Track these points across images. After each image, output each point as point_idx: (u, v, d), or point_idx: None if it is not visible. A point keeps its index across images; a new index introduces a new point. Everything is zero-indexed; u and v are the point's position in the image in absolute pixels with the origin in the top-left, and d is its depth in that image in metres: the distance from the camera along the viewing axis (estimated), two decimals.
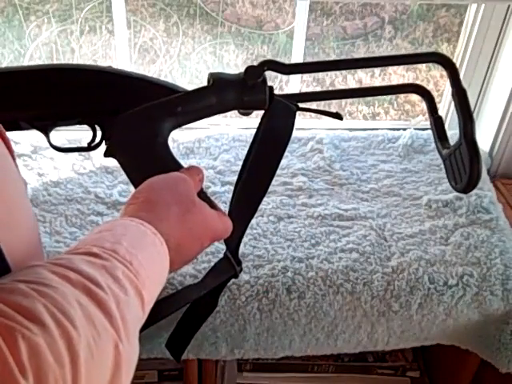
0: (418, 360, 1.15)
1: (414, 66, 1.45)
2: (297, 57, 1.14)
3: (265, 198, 0.69)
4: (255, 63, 0.65)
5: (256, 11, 1.36)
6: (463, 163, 0.67)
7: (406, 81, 1.44)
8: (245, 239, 0.89)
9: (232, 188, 1.00)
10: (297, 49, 1.13)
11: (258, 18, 1.36)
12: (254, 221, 0.93)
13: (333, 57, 1.41)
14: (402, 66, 1.45)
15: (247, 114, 0.70)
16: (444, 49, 1.40)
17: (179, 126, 0.65)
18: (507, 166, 1.15)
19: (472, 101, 1.17)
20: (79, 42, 1.30)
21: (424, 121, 1.21)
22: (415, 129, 1.16)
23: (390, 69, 1.44)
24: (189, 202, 0.50)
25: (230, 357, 0.88)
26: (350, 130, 1.17)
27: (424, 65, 1.43)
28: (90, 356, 0.31)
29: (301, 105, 0.67)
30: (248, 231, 0.90)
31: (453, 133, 1.14)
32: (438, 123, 0.72)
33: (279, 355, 0.88)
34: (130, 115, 0.62)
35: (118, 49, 1.13)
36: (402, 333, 0.86)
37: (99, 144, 0.65)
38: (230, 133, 1.13)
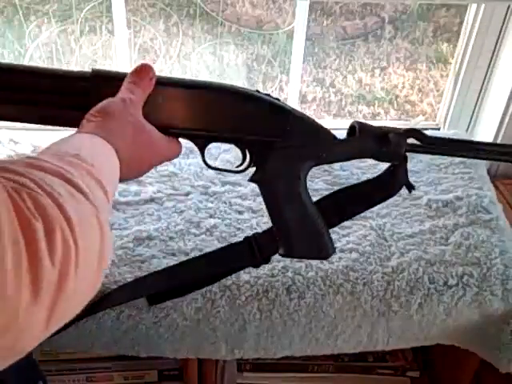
0: (417, 360, 1.15)
1: (414, 65, 1.45)
2: (297, 57, 1.14)
3: None
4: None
5: (256, 11, 1.36)
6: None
7: (405, 80, 1.44)
8: None
9: (232, 188, 1.00)
10: (297, 49, 1.13)
11: (258, 17, 1.36)
12: (253, 220, 0.92)
13: (333, 57, 1.41)
14: (401, 66, 1.45)
15: None
16: (444, 49, 1.40)
17: (316, 166, 0.69)
18: (507, 166, 1.15)
19: (472, 101, 1.17)
20: (79, 42, 1.30)
21: (424, 121, 1.21)
22: None
23: (390, 68, 1.44)
24: (140, 126, 0.57)
25: (230, 357, 0.87)
26: None
27: (424, 65, 1.42)
28: (78, 220, 0.36)
29: None
30: (248, 231, 0.90)
31: (452, 132, 1.14)
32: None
33: (279, 355, 0.88)
34: (283, 151, 0.66)
35: (118, 49, 1.13)
36: (402, 333, 0.86)
37: (247, 168, 0.69)
38: None
